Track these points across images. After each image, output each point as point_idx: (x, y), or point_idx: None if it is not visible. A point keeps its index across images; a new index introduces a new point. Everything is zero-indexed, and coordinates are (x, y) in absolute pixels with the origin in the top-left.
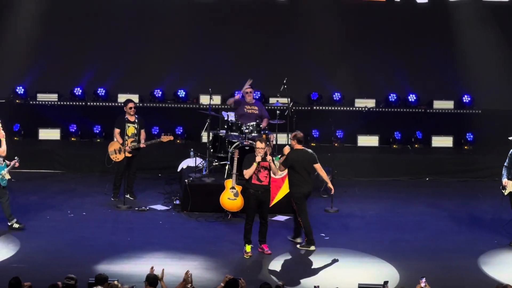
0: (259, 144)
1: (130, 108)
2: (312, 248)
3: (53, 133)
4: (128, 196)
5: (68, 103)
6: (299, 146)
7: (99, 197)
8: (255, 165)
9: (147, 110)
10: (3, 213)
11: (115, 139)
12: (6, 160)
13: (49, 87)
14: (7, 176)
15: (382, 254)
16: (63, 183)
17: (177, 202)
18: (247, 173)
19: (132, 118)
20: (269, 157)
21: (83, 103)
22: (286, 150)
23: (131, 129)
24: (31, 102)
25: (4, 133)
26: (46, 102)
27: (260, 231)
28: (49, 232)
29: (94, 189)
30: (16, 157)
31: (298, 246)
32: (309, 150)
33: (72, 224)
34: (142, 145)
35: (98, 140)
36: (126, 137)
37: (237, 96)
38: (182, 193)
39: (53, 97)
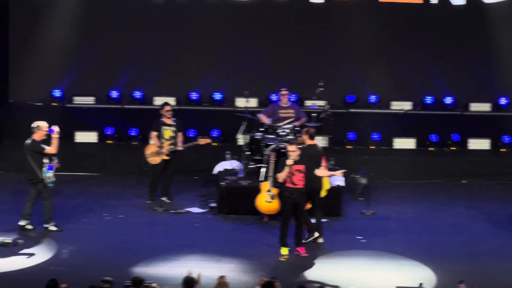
0: (290, 147)
1: (167, 111)
2: (316, 234)
3: (90, 136)
4: (165, 198)
5: (104, 106)
6: (311, 142)
7: (136, 199)
8: (287, 169)
9: (183, 113)
10: (42, 214)
11: (152, 142)
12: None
13: (86, 90)
14: (52, 178)
15: (419, 257)
16: (99, 185)
17: (214, 204)
18: (280, 176)
19: (169, 121)
20: (289, 161)
21: (120, 106)
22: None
23: (168, 132)
24: (67, 105)
25: (58, 131)
26: (83, 105)
27: (296, 234)
28: (86, 235)
29: (131, 191)
30: (54, 158)
31: (304, 241)
32: (320, 146)
33: (109, 227)
34: (179, 148)
35: (135, 143)
36: (163, 140)
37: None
38: (219, 195)
39: (89, 100)
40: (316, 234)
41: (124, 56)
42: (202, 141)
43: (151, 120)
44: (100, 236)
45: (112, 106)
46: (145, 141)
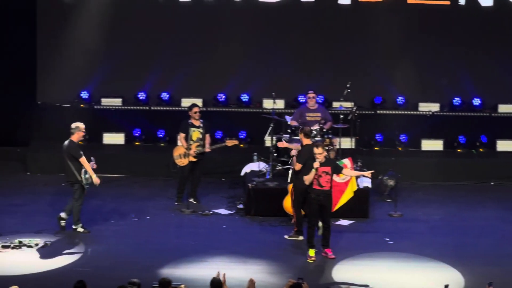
0: (316, 150)
1: (195, 112)
2: (300, 238)
3: (117, 138)
4: (192, 200)
5: (132, 107)
6: (307, 141)
7: (163, 201)
8: (314, 171)
9: (210, 115)
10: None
11: (179, 144)
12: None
13: (113, 91)
14: (89, 180)
15: (446, 259)
16: (127, 187)
17: (241, 206)
18: (307, 179)
19: (197, 123)
20: (316, 164)
21: (147, 108)
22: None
23: (196, 134)
24: (95, 107)
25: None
26: (110, 107)
27: (323, 236)
28: (114, 236)
29: (158, 193)
30: (92, 158)
31: (286, 236)
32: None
33: (136, 228)
34: (207, 149)
35: (162, 145)
36: (191, 141)
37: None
38: (246, 197)
39: (117, 102)
40: (301, 238)
41: (152, 58)
42: (230, 142)
43: (178, 122)
44: (127, 238)
45: (140, 107)
46: (172, 143)
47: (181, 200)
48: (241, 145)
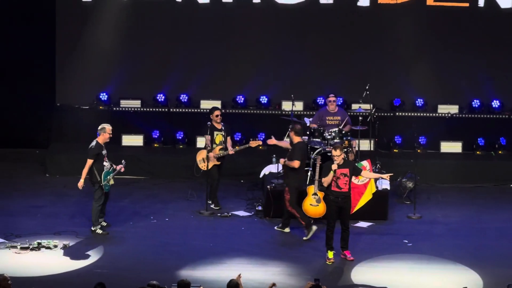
0: (334, 152)
1: (217, 116)
2: (314, 227)
3: (136, 139)
4: (212, 206)
5: (151, 109)
6: (298, 139)
7: (182, 203)
8: (332, 173)
9: (229, 116)
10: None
11: (206, 145)
12: (113, 165)
13: (132, 93)
14: (111, 182)
15: (465, 261)
16: (146, 189)
17: (259, 208)
18: (326, 181)
19: (218, 126)
20: (333, 166)
21: (166, 110)
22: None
23: (219, 137)
24: (114, 109)
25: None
26: (129, 109)
27: (342, 238)
28: (133, 238)
29: (177, 195)
30: (123, 161)
31: (304, 238)
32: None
33: (155, 230)
34: (231, 152)
35: (181, 146)
36: (214, 145)
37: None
38: (265, 199)
39: (136, 104)
40: (315, 228)
41: (170, 59)
42: (254, 143)
43: (197, 124)
44: (146, 239)
45: (158, 109)
46: (191, 144)
47: (218, 203)
48: (260, 147)
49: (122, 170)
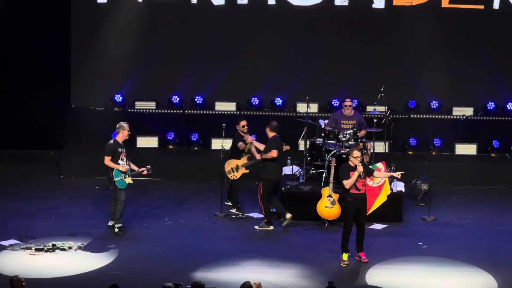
0: (356, 153)
1: (243, 126)
2: (271, 228)
3: (151, 141)
4: (234, 210)
5: (166, 111)
6: (273, 133)
7: (197, 204)
8: (356, 175)
9: (244, 118)
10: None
11: (247, 150)
12: (132, 164)
13: (147, 95)
14: (128, 180)
15: (480, 263)
16: (160, 190)
17: (274, 210)
18: (349, 183)
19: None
20: (360, 168)
21: (181, 111)
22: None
23: (248, 147)
24: (129, 110)
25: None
26: (144, 110)
27: (357, 239)
28: (147, 239)
29: (192, 196)
30: (148, 166)
31: (256, 227)
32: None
33: (169, 232)
34: (258, 157)
35: (196, 148)
36: (244, 153)
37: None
38: (279, 201)
39: (151, 105)
40: (271, 228)
41: (186, 61)
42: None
43: (212, 125)
44: (161, 241)
45: (173, 111)
46: (205, 146)
47: (240, 208)
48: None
49: (145, 173)
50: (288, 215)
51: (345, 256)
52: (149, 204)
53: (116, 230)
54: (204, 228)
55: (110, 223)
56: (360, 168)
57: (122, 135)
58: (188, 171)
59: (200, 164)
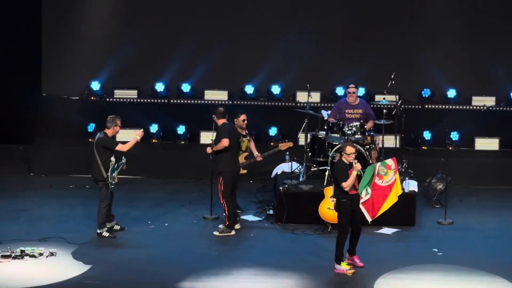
0: (349, 149)
1: (243, 120)
2: (233, 232)
3: (131, 134)
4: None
5: (149, 100)
6: (223, 120)
7: (184, 206)
8: (355, 174)
9: (237, 109)
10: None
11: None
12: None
13: (128, 82)
14: (115, 180)
15: (502, 272)
16: (143, 190)
17: (271, 212)
18: (349, 185)
19: (243, 132)
20: (358, 165)
21: (166, 101)
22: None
23: (244, 143)
24: (107, 100)
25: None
26: (125, 100)
27: (352, 242)
28: (128, 245)
29: (178, 197)
30: (123, 158)
31: (216, 233)
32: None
33: (153, 236)
34: (259, 159)
35: (182, 142)
36: (241, 152)
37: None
38: (277, 202)
39: (132, 94)
40: (233, 232)
41: (171, 44)
42: (284, 146)
43: (201, 117)
44: (143, 247)
45: (157, 100)
46: (194, 140)
47: (239, 207)
48: (271, 143)
49: (124, 168)
50: (237, 226)
51: (344, 265)
52: (129, 205)
53: (107, 234)
54: (191, 233)
55: (103, 230)
56: (358, 166)
57: (113, 131)
58: (174, 168)
59: (188, 161)
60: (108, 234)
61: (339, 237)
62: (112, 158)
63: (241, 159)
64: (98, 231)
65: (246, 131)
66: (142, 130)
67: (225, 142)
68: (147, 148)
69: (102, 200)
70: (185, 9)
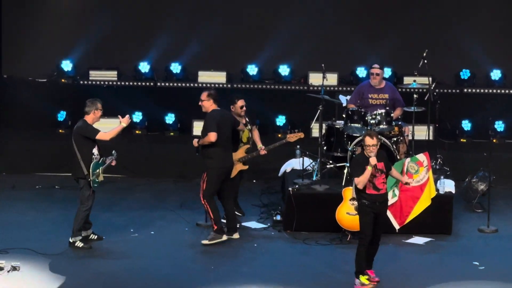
0: (368, 140)
1: (241, 107)
2: (224, 237)
3: (111, 124)
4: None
5: (131, 83)
6: (215, 106)
7: (173, 211)
8: (369, 169)
9: (237, 93)
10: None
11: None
12: (105, 158)
13: (106, 62)
14: (101, 178)
15: None
16: (124, 191)
17: (278, 218)
18: (361, 181)
19: (243, 120)
20: (373, 159)
21: (152, 84)
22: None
23: (245, 134)
24: (81, 82)
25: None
26: (102, 82)
27: (368, 253)
28: (106, 257)
29: (166, 200)
30: (113, 152)
31: (204, 241)
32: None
33: (136, 247)
34: (262, 152)
35: (172, 134)
36: (241, 143)
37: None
38: (285, 205)
39: (111, 76)
40: (225, 237)
41: (158, 18)
42: (293, 137)
43: (194, 103)
44: (124, 259)
45: (141, 83)
46: (185, 132)
47: (241, 210)
48: (279, 135)
49: (114, 163)
50: (236, 235)
51: (364, 279)
52: (109, 210)
53: (81, 245)
54: (182, 243)
55: (77, 239)
56: (373, 160)
57: (94, 117)
58: (162, 165)
59: (178, 156)
60: (83, 244)
61: (358, 246)
62: (95, 151)
63: (241, 152)
64: (71, 240)
65: (246, 119)
66: (128, 116)
67: (211, 137)
68: (130, 141)
69: (82, 203)
70: None
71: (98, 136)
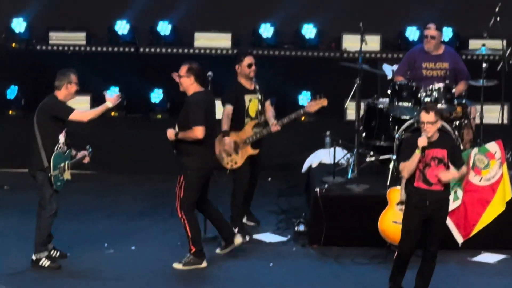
0: (425, 116)
1: (249, 66)
2: (204, 264)
3: (80, 103)
4: (245, 220)
5: (104, 49)
6: (198, 88)
7: (159, 217)
8: (418, 153)
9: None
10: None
11: (225, 128)
12: (74, 150)
13: (71, 21)
14: (67, 175)
15: None
16: (97, 192)
17: (301, 228)
18: (405, 167)
19: (251, 86)
20: (422, 140)
21: (132, 49)
22: None
23: (253, 105)
24: (38, 48)
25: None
26: (66, 48)
27: (421, 272)
28: (75, 278)
29: (151, 204)
30: (87, 147)
31: (178, 265)
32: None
33: (111, 266)
34: (274, 128)
35: (159, 116)
36: (248, 119)
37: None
38: (311, 212)
39: (78, 39)
40: (204, 264)
41: None
42: (313, 105)
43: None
44: (97, 281)
45: (119, 49)
46: (176, 113)
47: (242, 228)
48: (302, 118)
49: (86, 161)
50: (238, 240)
51: None
52: (76, 218)
53: (47, 264)
54: (171, 262)
55: (42, 255)
56: (422, 141)
57: (66, 92)
58: (146, 158)
59: (168, 146)
60: (49, 263)
61: (397, 253)
62: (61, 137)
63: (248, 130)
64: (34, 258)
65: (256, 85)
66: (118, 95)
67: (198, 132)
68: (104, 127)
69: (43, 207)
70: None
71: (73, 116)
